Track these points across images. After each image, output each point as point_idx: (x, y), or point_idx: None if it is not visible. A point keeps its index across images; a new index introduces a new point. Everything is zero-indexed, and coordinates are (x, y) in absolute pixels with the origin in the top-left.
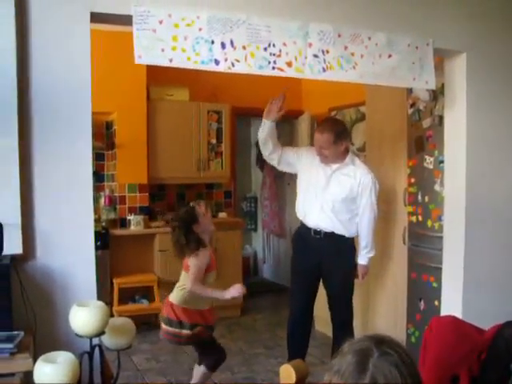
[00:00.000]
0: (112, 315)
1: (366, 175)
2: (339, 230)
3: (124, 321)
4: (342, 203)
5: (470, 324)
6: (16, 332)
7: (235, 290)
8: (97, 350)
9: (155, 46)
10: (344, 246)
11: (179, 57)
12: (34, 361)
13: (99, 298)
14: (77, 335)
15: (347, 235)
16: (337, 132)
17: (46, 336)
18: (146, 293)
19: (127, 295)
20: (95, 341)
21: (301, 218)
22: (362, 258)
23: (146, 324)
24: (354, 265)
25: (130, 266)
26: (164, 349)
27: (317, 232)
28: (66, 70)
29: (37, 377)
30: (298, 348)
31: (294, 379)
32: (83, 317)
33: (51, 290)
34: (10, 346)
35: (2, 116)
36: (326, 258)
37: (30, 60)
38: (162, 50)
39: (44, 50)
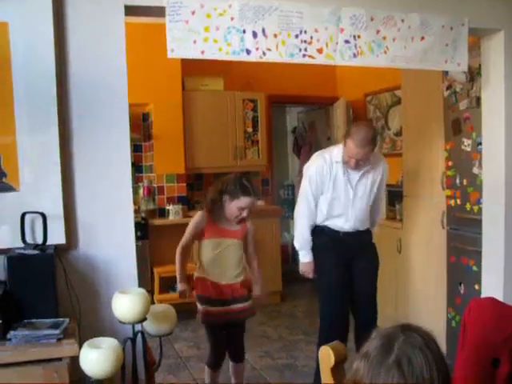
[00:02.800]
0: (153, 303)
1: (384, 162)
2: (366, 225)
3: (165, 307)
4: (371, 199)
5: (510, 305)
6: (61, 319)
7: (181, 288)
8: (139, 336)
9: (187, 37)
10: (368, 237)
11: (211, 48)
12: (80, 346)
13: (140, 287)
14: (120, 322)
15: (366, 226)
16: (374, 141)
17: (89, 323)
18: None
19: (168, 284)
20: (137, 327)
21: (321, 224)
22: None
23: (186, 312)
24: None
25: (170, 255)
26: (204, 336)
27: (346, 233)
28: (102, 62)
29: (83, 362)
30: None
31: (332, 361)
32: (125, 304)
33: (94, 278)
34: (57, 332)
35: (42, 109)
36: (357, 255)
37: (68, 53)
38: (194, 42)
39: (81, 43)
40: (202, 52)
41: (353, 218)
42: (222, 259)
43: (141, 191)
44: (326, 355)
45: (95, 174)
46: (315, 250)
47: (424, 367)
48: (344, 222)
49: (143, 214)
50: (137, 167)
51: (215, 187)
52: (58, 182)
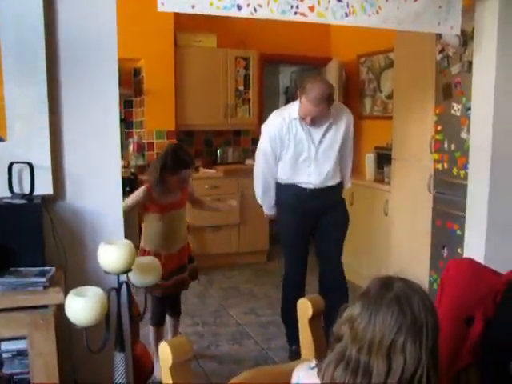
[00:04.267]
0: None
1: (348, 114)
2: (335, 180)
3: (150, 259)
4: (337, 154)
5: (487, 267)
6: (48, 268)
7: None
8: (124, 286)
9: None
10: (338, 194)
11: (202, 2)
12: (66, 293)
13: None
14: (105, 272)
15: (339, 181)
16: (330, 98)
17: (75, 273)
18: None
19: None
20: (122, 278)
21: (287, 182)
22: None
23: None
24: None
25: None
26: (191, 291)
27: (314, 190)
28: (91, 16)
29: (68, 309)
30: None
31: (310, 313)
32: (111, 254)
33: (80, 229)
34: (43, 279)
35: (31, 64)
36: (324, 213)
37: (56, 8)
38: None
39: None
40: (193, 6)
41: (318, 174)
42: (171, 231)
43: (131, 147)
44: (305, 307)
45: (84, 126)
46: (279, 207)
47: (420, 308)
48: (309, 178)
49: (132, 170)
50: (127, 123)
51: (154, 166)
52: (46, 133)
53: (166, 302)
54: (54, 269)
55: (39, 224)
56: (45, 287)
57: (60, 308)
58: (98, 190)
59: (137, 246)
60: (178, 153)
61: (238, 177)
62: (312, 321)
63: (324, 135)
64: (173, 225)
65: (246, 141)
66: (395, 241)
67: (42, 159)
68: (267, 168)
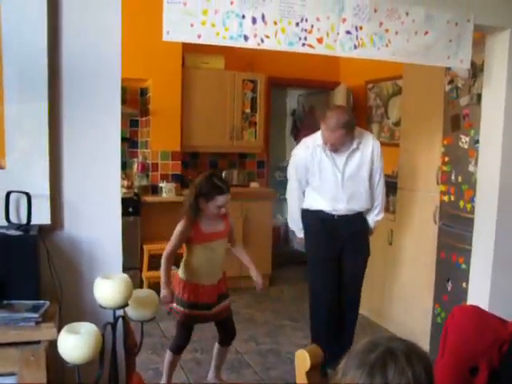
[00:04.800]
0: (141, 281)
1: (373, 141)
2: (362, 207)
3: (148, 293)
4: (366, 181)
5: (492, 314)
6: (42, 301)
7: (164, 296)
8: (120, 321)
9: (185, 20)
10: (363, 225)
11: (208, 32)
12: (60, 328)
13: (129, 263)
14: (101, 307)
15: (365, 209)
16: (348, 125)
17: (71, 305)
18: (176, 260)
19: (157, 261)
20: (119, 312)
21: (314, 208)
22: (371, 222)
23: None
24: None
25: (161, 232)
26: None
27: (340, 217)
28: (96, 36)
29: (60, 346)
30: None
31: (308, 365)
32: (107, 289)
33: (78, 260)
34: (36, 315)
35: (32, 83)
36: (348, 243)
37: (61, 25)
38: (191, 25)
39: (74, 16)
40: (199, 36)
41: (345, 200)
42: (211, 262)
43: (135, 167)
44: (302, 358)
45: (84, 153)
46: (307, 233)
47: (395, 377)
48: (335, 204)
49: (136, 190)
50: (132, 142)
51: (189, 193)
52: (46, 162)
53: (190, 333)
54: (48, 302)
55: (35, 256)
56: (37, 323)
57: (53, 343)
58: (96, 219)
59: (136, 268)
60: (212, 179)
61: (242, 200)
62: (310, 372)
63: (347, 161)
64: (214, 255)
65: (251, 164)
66: (399, 271)
67: (41, 188)
68: (297, 193)
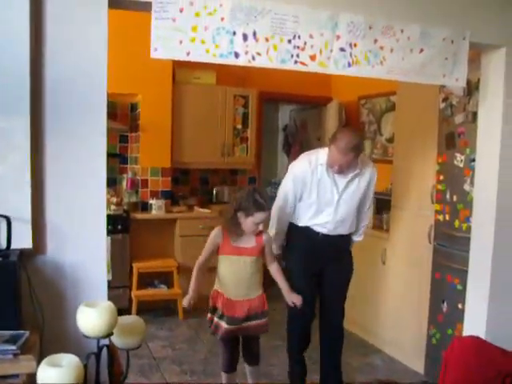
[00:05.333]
0: (130, 299)
1: (372, 169)
2: (348, 230)
3: (133, 319)
4: (356, 206)
5: (494, 346)
6: (21, 331)
7: (186, 304)
8: (104, 349)
9: (173, 37)
10: (347, 245)
11: (197, 49)
12: (41, 359)
13: (118, 281)
14: (84, 336)
15: (348, 232)
16: (358, 148)
17: (54, 334)
18: (166, 278)
19: (146, 280)
20: (104, 341)
21: (303, 224)
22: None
23: (163, 309)
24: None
25: (150, 250)
26: (181, 336)
27: (326, 236)
28: (81, 52)
29: (40, 380)
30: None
31: None
32: (90, 318)
33: (61, 286)
34: (13, 347)
35: (13, 94)
36: (331, 261)
37: (44, 40)
38: (180, 42)
39: (59, 31)
40: (188, 53)
41: (335, 222)
42: (235, 276)
43: (124, 183)
44: None
45: (68, 174)
46: (290, 248)
47: None
48: (326, 224)
49: (125, 207)
50: (121, 158)
51: (229, 206)
52: (27, 182)
53: (232, 348)
54: (27, 333)
55: (15, 283)
56: (15, 355)
57: (33, 376)
58: (81, 242)
59: (125, 286)
60: (255, 195)
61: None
62: None
63: (347, 184)
64: (239, 270)
65: (242, 180)
66: (393, 291)
67: (22, 211)
68: (284, 207)
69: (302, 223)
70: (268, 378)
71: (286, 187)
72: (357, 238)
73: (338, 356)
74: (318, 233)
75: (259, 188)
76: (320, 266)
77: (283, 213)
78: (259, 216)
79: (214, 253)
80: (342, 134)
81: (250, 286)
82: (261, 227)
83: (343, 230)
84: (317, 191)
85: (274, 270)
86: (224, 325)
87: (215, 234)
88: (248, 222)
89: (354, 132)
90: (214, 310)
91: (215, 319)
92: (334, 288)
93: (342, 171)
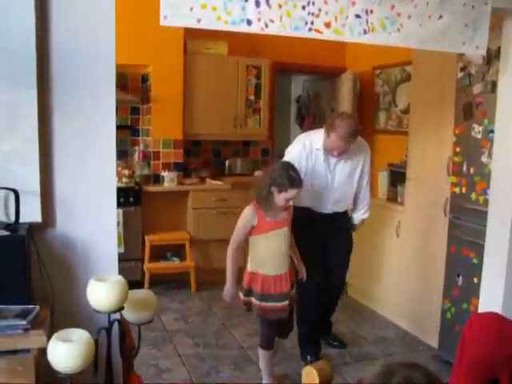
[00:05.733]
0: (143, 272)
1: (366, 146)
2: (348, 207)
3: (145, 293)
4: (354, 185)
5: None
6: (31, 306)
7: (229, 298)
8: (116, 324)
9: (183, 4)
10: (346, 222)
11: (208, 16)
12: (52, 334)
13: (130, 254)
14: (95, 311)
15: (348, 208)
16: (357, 132)
17: (64, 309)
18: (178, 251)
19: (159, 252)
20: (114, 316)
21: (300, 205)
22: (356, 219)
23: (175, 282)
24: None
25: (163, 223)
26: (193, 309)
27: (326, 215)
28: (88, 22)
29: (50, 356)
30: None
31: (317, 381)
32: (101, 292)
33: (71, 261)
34: (23, 322)
35: (19, 66)
36: (331, 237)
37: (51, 11)
38: (191, 9)
39: (65, 1)
40: (199, 21)
41: (331, 202)
42: (275, 251)
43: (136, 155)
44: (311, 377)
45: (77, 146)
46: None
47: None
48: (323, 204)
49: (137, 179)
50: (133, 130)
51: (263, 180)
52: (35, 154)
53: (276, 325)
54: (37, 307)
55: (24, 258)
56: (25, 330)
57: (43, 351)
58: (91, 216)
59: (137, 259)
60: (289, 171)
61: (246, 189)
62: None
63: (342, 166)
64: (277, 244)
65: (255, 152)
66: (407, 264)
67: (30, 184)
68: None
69: (300, 205)
70: (281, 351)
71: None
72: (363, 216)
73: (333, 311)
74: (318, 213)
75: (291, 165)
76: (322, 241)
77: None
78: (292, 192)
79: (247, 234)
80: (340, 121)
81: (286, 258)
82: (290, 202)
83: (340, 209)
84: (311, 173)
85: (293, 240)
86: (274, 304)
87: (249, 215)
88: (280, 197)
89: (351, 118)
90: (250, 292)
91: (257, 301)
92: (336, 255)
93: (341, 156)
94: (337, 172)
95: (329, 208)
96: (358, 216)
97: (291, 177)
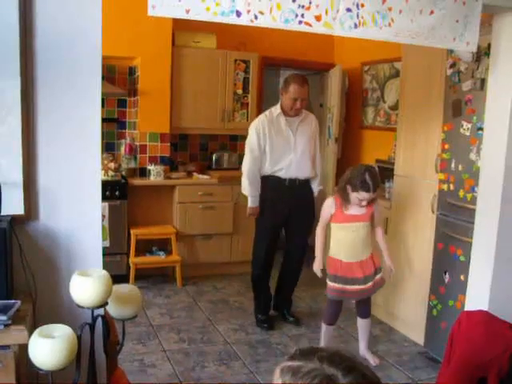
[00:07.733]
0: (128, 266)
1: (314, 118)
2: (309, 174)
3: (130, 288)
4: (311, 148)
5: (502, 321)
6: (13, 301)
7: (317, 269)
8: (99, 319)
9: None
10: (310, 194)
11: (197, 7)
12: (34, 329)
13: (116, 248)
14: (78, 306)
15: (309, 176)
16: (307, 81)
17: (46, 304)
18: (164, 245)
19: (144, 246)
20: (98, 311)
21: (268, 173)
22: (315, 191)
23: (161, 276)
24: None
25: (149, 217)
26: (179, 303)
27: (292, 181)
28: (73, 10)
29: (31, 352)
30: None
31: None
32: (84, 287)
33: (54, 254)
34: (4, 317)
35: (3, 63)
36: (296, 208)
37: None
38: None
39: None
40: (187, 11)
41: (295, 165)
42: (349, 241)
43: (122, 148)
44: None
45: (61, 137)
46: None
47: None
48: (289, 167)
49: (123, 173)
50: (120, 123)
51: (344, 176)
52: (18, 144)
53: (340, 304)
54: (19, 302)
55: (4, 252)
56: (6, 325)
57: (25, 347)
58: (75, 210)
59: (123, 253)
60: (365, 175)
61: (232, 184)
62: None
63: (299, 128)
64: (352, 235)
65: (242, 146)
66: (394, 261)
67: (13, 176)
68: (253, 159)
69: (267, 172)
70: (266, 346)
71: (251, 141)
72: (318, 187)
73: (293, 287)
74: (284, 179)
75: (374, 168)
76: (284, 215)
77: (252, 165)
78: (363, 194)
79: (328, 218)
80: (289, 76)
81: (362, 249)
82: (364, 203)
83: (303, 173)
84: (276, 137)
85: (379, 235)
86: (347, 287)
87: (328, 204)
88: (353, 196)
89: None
90: (335, 276)
91: (335, 284)
92: (298, 227)
93: (302, 106)
94: (298, 134)
95: (293, 170)
96: (316, 187)
97: (364, 180)
